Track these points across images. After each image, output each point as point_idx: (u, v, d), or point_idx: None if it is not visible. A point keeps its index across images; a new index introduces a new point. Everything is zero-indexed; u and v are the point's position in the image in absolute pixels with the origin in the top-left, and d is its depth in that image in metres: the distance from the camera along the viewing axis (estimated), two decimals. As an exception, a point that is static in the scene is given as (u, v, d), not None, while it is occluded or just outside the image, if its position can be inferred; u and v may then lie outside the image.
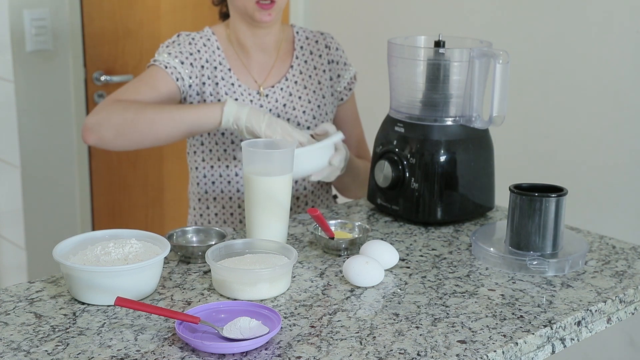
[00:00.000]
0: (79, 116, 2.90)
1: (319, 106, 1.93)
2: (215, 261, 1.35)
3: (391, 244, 1.51)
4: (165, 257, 1.37)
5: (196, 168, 1.92)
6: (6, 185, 2.87)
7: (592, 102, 2.30)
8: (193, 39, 1.86)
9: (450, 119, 1.68)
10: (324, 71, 1.95)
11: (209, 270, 1.41)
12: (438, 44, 1.69)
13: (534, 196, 1.46)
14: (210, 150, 1.88)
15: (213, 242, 1.50)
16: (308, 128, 1.90)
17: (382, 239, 1.60)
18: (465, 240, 1.62)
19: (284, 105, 1.89)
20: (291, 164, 1.51)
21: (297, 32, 1.96)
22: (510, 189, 1.50)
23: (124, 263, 1.30)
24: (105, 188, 3.05)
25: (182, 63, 1.82)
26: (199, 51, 1.85)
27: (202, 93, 1.84)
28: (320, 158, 1.69)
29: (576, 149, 2.35)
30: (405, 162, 1.68)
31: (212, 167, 1.89)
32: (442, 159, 1.66)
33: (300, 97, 1.91)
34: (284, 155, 1.49)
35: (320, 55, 1.96)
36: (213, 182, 1.90)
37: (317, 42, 1.96)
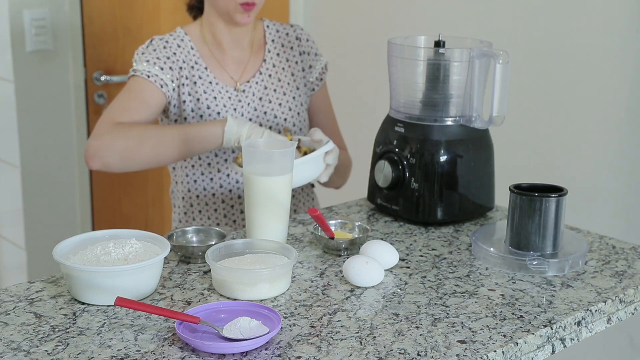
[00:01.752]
0: (79, 116, 2.90)
1: (294, 97, 1.95)
2: (215, 261, 1.35)
3: (391, 244, 1.51)
4: (165, 257, 1.37)
5: (181, 167, 1.93)
6: (6, 185, 2.87)
7: (592, 102, 2.30)
8: (167, 42, 1.87)
9: (450, 119, 1.68)
10: (296, 62, 1.98)
11: (209, 270, 1.41)
12: (438, 44, 1.69)
13: (534, 196, 1.46)
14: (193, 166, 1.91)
15: (213, 242, 1.50)
16: (285, 120, 1.93)
17: (382, 239, 1.60)
18: (465, 240, 1.62)
19: (260, 98, 1.91)
20: (291, 164, 1.51)
21: (268, 26, 1.98)
22: (510, 189, 1.50)
23: (124, 263, 1.30)
24: (105, 188, 3.05)
25: (162, 69, 1.83)
26: (174, 53, 1.86)
27: (181, 94, 1.85)
28: (318, 165, 1.72)
29: (576, 149, 2.35)
30: (405, 162, 1.68)
31: (192, 166, 1.90)
32: (442, 159, 1.66)
33: (275, 90, 1.93)
34: (284, 155, 1.49)
35: (291, 47, 1.98)
36: (195, 181, 1.91)
37: (287, 34, 1.98)
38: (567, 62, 2.34)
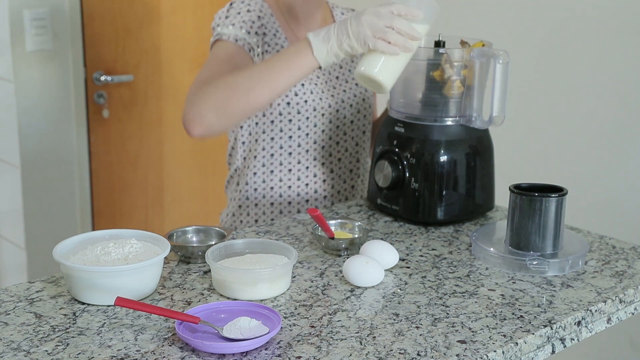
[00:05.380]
0: (79, 116, 2.90)
1: None
2: (215, 261, 1.35)
3: (391, 244, 1.51)
4: (165, 257, 1.37)
5: (254, 173, 1.91)
6: (6, 185, 2.87)
7: (591, 102, 2.30)
8: (249, 5, 1.83)
9: (450, 119, 1.68)
10: None
11: (209, 270, 1.41)
12: (438, 44, 1.69)
13: (534, 196, 1.46)
14: (272, 155, 1.86)
15: (213, 242, 1.50)
16: (355, 96, 1.92)
17: (382, 239, 1.60)
18: (465, 240, 1.62)
19: (329, 73, 1.91)
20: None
21: (333, 8, 1.98)
22: (510, 189, 1.50)
23: (124, 263, 1.30)
24: (105, 188, 3.05)
25: (249, 33, 1.78)
26: (259, 17, 1.81)
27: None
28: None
29: (576, 149, 2.35)
30: (405, 162, 1.68)
31: (271, 171, 1.87)
32: (442, 159, 1.66)
33: (349, 70, 1.94)
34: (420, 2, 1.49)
35: None
36: (272, 188, 1.88)
37: None
38: (567, 62, 2.34)
